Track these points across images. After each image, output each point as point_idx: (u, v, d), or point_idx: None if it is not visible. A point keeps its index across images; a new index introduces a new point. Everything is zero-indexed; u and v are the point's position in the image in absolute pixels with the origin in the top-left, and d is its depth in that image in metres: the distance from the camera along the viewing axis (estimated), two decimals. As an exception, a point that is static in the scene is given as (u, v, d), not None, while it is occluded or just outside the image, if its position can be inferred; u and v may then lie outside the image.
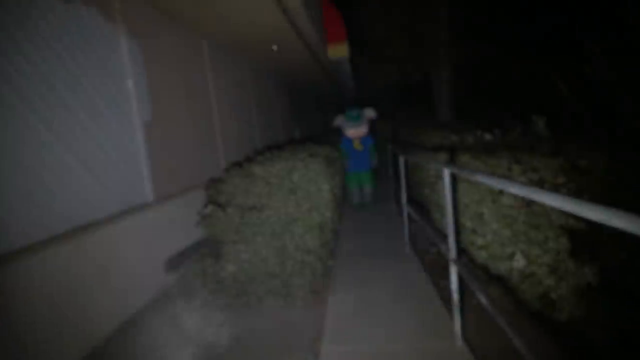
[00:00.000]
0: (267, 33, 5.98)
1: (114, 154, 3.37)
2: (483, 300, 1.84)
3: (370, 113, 6.89)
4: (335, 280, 3.91)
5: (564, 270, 2.65)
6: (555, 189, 2.83)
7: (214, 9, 4.64)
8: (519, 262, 2.81)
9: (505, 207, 2.92)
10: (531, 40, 8.82)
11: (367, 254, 4.70)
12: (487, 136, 4.05)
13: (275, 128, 9.52)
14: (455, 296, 2.48)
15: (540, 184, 2.88)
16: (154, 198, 3.89)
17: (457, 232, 3.62)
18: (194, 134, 4.94)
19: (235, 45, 6.41)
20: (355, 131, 6.82)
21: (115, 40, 3.56)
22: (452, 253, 2.43)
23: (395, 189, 5.82)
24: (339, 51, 8.76)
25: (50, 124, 2.76)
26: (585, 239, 2.77)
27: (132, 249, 3.42)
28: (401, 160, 4.60)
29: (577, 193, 2.80)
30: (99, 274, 2.98)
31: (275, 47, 6.73)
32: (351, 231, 5.74)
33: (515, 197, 2.96)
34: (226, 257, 3.43)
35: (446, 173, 2.38)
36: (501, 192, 3.06)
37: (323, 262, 3.79)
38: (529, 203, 2.89)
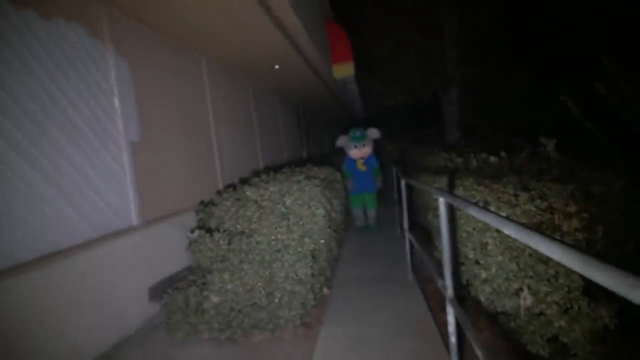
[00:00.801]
0: (268, 52, 5.87)
1: (95, 177, 3.19)
2: (480, 355, 1.58)
3: (374, 133, 6.69)
4: (329, 311, 3.64)
5: (577, 310, 2.36)
6: (566, 218, 2.56)
7: (208, 28, 4.52)
8: (526, 299, 2.52)
9: (511, 238, 2.65)
10: (543, 57, 8.60)
11: (367, 282, 4.42)
12: (492, 159, 3.80)
13: (279, 148, 9.36)
14: (453, 340, 2.21)
15: (549, 213, 2.61)
16: (140, 221, 3.70)
17: (456, 267, 3.35)
18: (188, 154, 4.77)
19: (235, 64, 6.30)
20: (359, 151, 6.61)
21: (101, 58, 3.43)
22: (449, 291, 2.16)
23: (400, 213, 5.57)
24: (345, 70, 8.63)
25: (18, 148, 2.59)
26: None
27: (113, 276, 3.21)
28: (402, 183, 4.36)
29: (592, 223, 2.53)
30: (70, 303, 2.77)
31: (277, 67, 6.61)
32: (352, 256, 5.47)
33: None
34: (210, 287, 3.20)
35: (442, 202, 2.14)
36: (508, 218, 2.80)
37: (315, 292, 3.53)
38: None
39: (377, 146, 7.35)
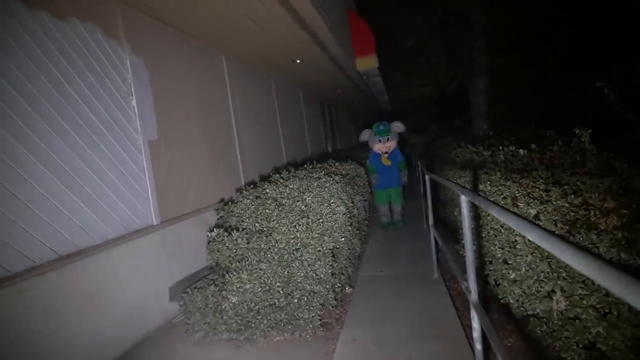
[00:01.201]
0: (289, 47, 5.78)
1: (112, 177, 3.19)
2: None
3: (398, 127, 6.51)
4: (350, 311, 3.54)
5: (617, 315, 2.17)
6: (603, 215, 2.36)
7: (227, 24, 4.46)
8: (560, 302, 2.35)
9: (542, 237, 2.47)
10: (574, 46, 8.18)
11: (391, 280, 4.30)
12: (521, 152, 3.59)
13: (303, 143, 9.29)
14: (479, 347, 2.07)
15: (584, 210, 2.42)
16: (159, 220, 3.69)
17: (481, 267, 3.17)
18: (209, 152, 4.75)
19: (256, 60, 6.25)
20: (383, 146, 6.45)
21: (117, 57, 3.41)
22: (473, 294, 2.02)
23: (425, 208, 5.41)
24: (368, 63, 8.46)
25: (35, 151, 2.60)
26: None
27: (132, 276, 3.21)
28: (427, 179, 4.20)
29: (632, 221, 2.32)
30: (89, 304, 2.77)
31: (298, 61, 6.52)
32: (375, 253, 5.35)
33: (555, 223, 2.52)
34: (229, 287, 3.15)
35: (464, 200, 2.00)
36: (538, 215, 2.62)
37: (336, 292, 3.44)
38: (571, 229, 2.44)
39: (402, 140, 7.17)
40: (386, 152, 6.46)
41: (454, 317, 3.31)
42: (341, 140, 14.94)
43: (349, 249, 3.91)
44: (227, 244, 3.42)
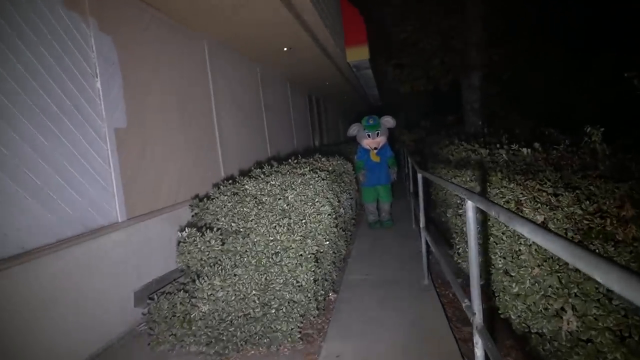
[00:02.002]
0: (276, 33, 5.42)
1: (70, 168, 2.81)
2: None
3: (388, 121, 6.21)
4: (333, 322, 3.24)
5: (637, 341, 1.90)
6: (621, 224, 2.08)
7: (209, 3, 4.09)
8: (571, 323, 2.07)
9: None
10: (577, 38, 7.93)
11: (378, 286, 4.01)
12: (525, 151, 3.31)
13: (290, 136, 8.94)
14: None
15: (599, 218, 2.14)
16: (126, 217, 3.33)
17: (486, 285, 2.88)
18: (186, 142, 4.38)
19: (241, 46, 5.87)
20: (372, 141, 6.14)
21: (79, 33, 3.03)
22: (477, 317, 1.73)
23: (415, 207, 5.13)
24: (359, 54, 8.12)
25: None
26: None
27: (91, 278, 2.86)
28: (419, 177, 3.90)
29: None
30: (39, 310, 2.42)
31: (286, 49, 6.16)
32: (362, 255, 5.05)
33: (566, 232, 2.23)
34: (199, 294, 2.81)
35: (470, 207, 1.69)
36: (546, 222, 2.34)
37: (318, 300, 3.13)
38: (585, 240, 2.16)
39: (392, 135, 6.87)
40: (375, 148, 6.16)
41: (447, 329, 3.02)
42: (329, 134, 14.60)
43: (333, 252, 3.60)
44: (199, 246, 3.08)
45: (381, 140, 6.15)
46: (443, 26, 8.88)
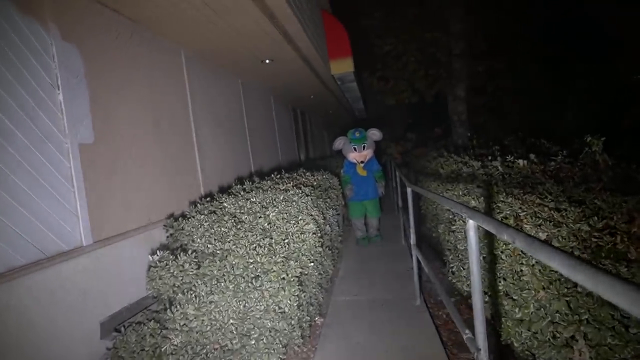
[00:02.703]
0: (257, 44, 5.23)
1: (24, 187, 2.54)
2: None
3: (375, 134, 6.03)
4: (320, 350, 2.98)
5: (660, 374, 1.70)
6: (633, 242, 1.89)
7: (182, 11, 3.88)
8: (583, 354, 1.86)
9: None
10: (559, 50, 7.92)
11: (367, 308, 3.77)
12: (521, 163, 3.14)
13: (274, 151, 8.71)
14: (489, 423, 1.54)
15: (609, 235, 1.95)
16: (92, 240, 3.04)
17: (494, 317, 2.66)
18: (162, 158, 4.12)
19: (221, 58, 5.66)
20: (359, 154, 5.95)
21: (38, 41, 2.78)
22: (482, 355, 1.50)
23: (405, 221, 4.93)
24: (344, 67, 7.98)
25: None
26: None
27: (47, 311, 2.56)
28: (409, 191, 3.70)
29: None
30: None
31: (267, 61, 5.97)
32: (350, 274, 4.81)
33: (572, 250, 2.03)
34: (171, 324, 2.54)
35: (472, 226, 1.48)
36: (549, 240, 2.14)
37: (302, 328, 2.87)
38: (594, 259, 1.96)
39: (378, 148, 6.70)
40: (362, 162, 5.97)
41: (443, 356, 2.79)
42: (315, 148, 14.41)
43: (319, 273, 3.36)
44: (171, 270, 2.81)
45: (368, 153, 5.97)
46: (425, 39, 8.81)
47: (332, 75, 8.24)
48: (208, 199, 3.64)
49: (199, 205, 3.56)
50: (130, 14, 3.76)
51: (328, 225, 3.84)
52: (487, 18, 8.53)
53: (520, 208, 2.39)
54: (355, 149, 5.92)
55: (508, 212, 2.44)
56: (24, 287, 2.40)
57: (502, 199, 2.55)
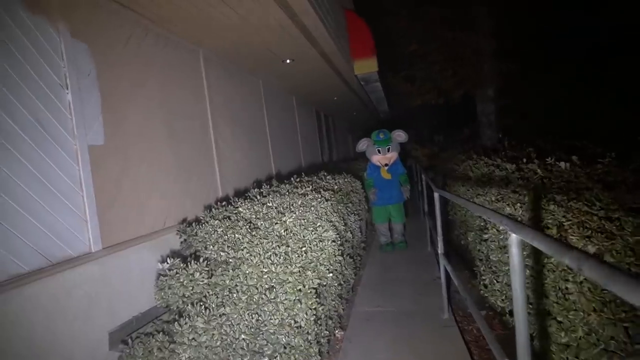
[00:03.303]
0: (278, 43, 5.07)
1: (30, 191, 2.43)
2: None
3: (400, 136, 5.78)
4: (340, 368, 2.77)
5: None
6: None
7: (200, 10, 3.75)
8: (645, 390, 1.59)
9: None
10: (596, 50, 7.48)
11: (391, 320, 3.53)
12: (562, 165, 2.84)
13: (296, 153, 8.55)
14: None
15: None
16: (101, 246, 2.92)
17: (533, 337, 2.38)
18: (177, 160, 4.00)
19: (242, 58, 5.53)
20: (383, 157, 5.71)
21: (46, 40, 2.68)
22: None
23: (431, 228, 4.66)
24: (367, 67, 7.76)
25: None
26: None
27: (52, 321, 2.43)
28: (436, 196, 3.45)
29: None
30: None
31: (288, 61, 5.81)
32: (373, 283, 4.57)
33: (629, 267, 1.76)
34: (179, 338, 2.37)
35: (515, 241, 1.24)
36: (601, 254, 1.86)
37: (320, 344, 2.66)
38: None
39: (403, 151, 6.43)
40: (386, 164, 5.72)
41: (475, 378, 2.54)
42: (338, 151, 14.20)
43: (339, 284, 3.14)
44: (181, 280, 2.66)
45: (392, 156, 5.71)
46: (453, 38, 8.49)
47: (355, 76, 8.02)
48: (224, 203, 3.48)
49: (213, 209, 3.41)
50: (144, 13, 3.64)
51: (349, 232, 3.62)
52: (518, 16, 8.14)
53: (564, 217, 2.12)
54: (379, 151, 5.68)
55: (550, 221, 2.17)
56: (26, 295, 2.28)
57: (543, 206, 2.28)
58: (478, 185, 3.63)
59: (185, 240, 3.29)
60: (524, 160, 3.46)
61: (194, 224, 3.26)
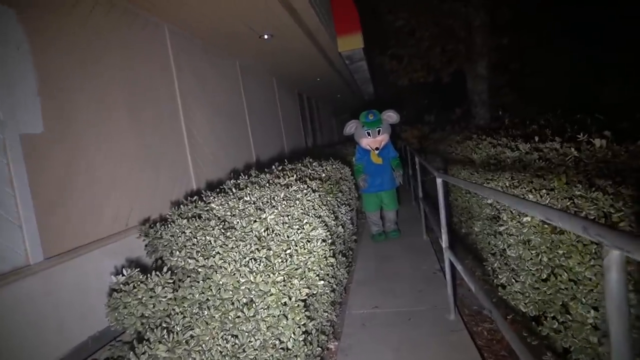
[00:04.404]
0: (254, 19, 4.53)
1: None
2: None
3: (391, 117, 5.31)
4: (336, 390, 2.34)
5: None
6: None
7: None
8: None
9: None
10: (595, 21, 7.08)
11: (390, 324, 3.12)
12: (598, 142, 2.39)
13: (278, 139, 8.03)
14: None
15: None
16: (44, 256, 2.41)
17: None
18: (141, 150, 3.49)
19: (214, 35, 4.97)
20: (373, 140, 5.24)
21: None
22: None
23: (430, 215, 4.25)
24: (352, 43, 7.23)
25: None
26: None
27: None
28: (439, 182, 3.00)
29: None
30: None
31: (266, 36, 5.26)
32: (367, 279, 4.14)
33: None
34: (137, 369, 1.90)
35: (617, 260, 0.79)
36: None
37: (312, 365, 2.22)
38: None
39: (394, 133, 5.97)
40: (377, 148, 5.26)
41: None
42: (323, 135, 13.70)
43: (332, 290, 2.69)
44: (139, 296, 2.17)
45: (383, 138, 5.25)
46: (443, 12, 7.99)
47: (339, 53, 7.49)
48: (195, 198, 2.99)
49: (182, 206, 2.91)
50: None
51: (340, 227, 3.16)
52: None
53: (612, 206, 1.69)
54: (369, 133, 5.21)
55: (592, 212, 1.74)
56: None
57: (579, 192, 1.85)
58: (484, 168, 3.20)
59: (149, 244, 2.80)
60: (535, 138, 3.03)
61: (158, 225, 2.76)
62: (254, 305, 2.08)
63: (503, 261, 2.57)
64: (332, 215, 2.93)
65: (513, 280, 2.39)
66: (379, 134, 5.20)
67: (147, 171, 3.52)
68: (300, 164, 4.10)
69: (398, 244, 5.22)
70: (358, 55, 7.88)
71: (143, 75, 3.72)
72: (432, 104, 12.32)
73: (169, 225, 2.69)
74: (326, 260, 2.41)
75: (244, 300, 2.11)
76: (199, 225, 2.58)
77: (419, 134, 9.43)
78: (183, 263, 2.38)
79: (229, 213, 2.66)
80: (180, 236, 2.53)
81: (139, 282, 2.20)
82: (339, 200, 3.48)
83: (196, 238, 2.47)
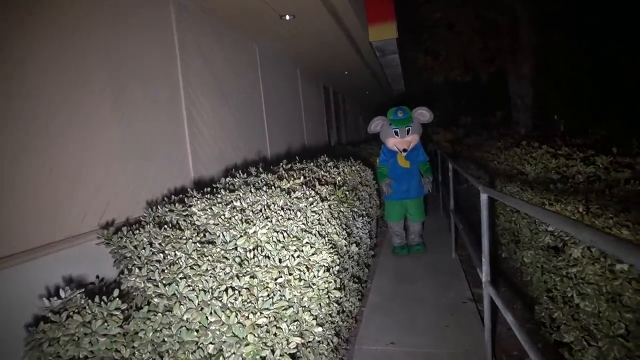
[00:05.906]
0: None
1: None
2: None
3: (423, 115, 4.63)
4: None
5: None
6: None
7: None
8: None
9: None
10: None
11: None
12: None
13: (298, 133, 7.46)
14: None
15: None
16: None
17: None
18: (126, 135, 2.97)
19: (228, 15, 4.41)
20: (401, 140, 4.57)
21: None
22: None
23: (462, 232, 3.60)
24: (384, 33, 6.56)
25: None
26: None
27: None
28: (483, 198, 2.34)
29: None
30: None
31: (287, 17, 4.67)
32: (384, 304, 3.51)
33: None
34: None
35: None
36: None
37: None
38: None
39: (425, 134, 5.27)
40: (405, 150, 4.59)
41: None
42: (348, 132, 13.05)
43: (336, 334, 2.08)
44: (72, 330, 1.61)
45: (413, 139, 4.58)
46: (485, 2, 7.23)
47: (370, 44, 6.84)
48: (174, 198, 2.43)
49: (159, 207, 2.36)
50: None
51: (354, 244, 2.54)
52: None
53: None
54: (396, 133, 4.54)
55: None
56: None
57: None
58: (541, 184, 2.53)
59: (113, 252, 2.25)
60: (614, 150, 2.34)
61: (124, 229, 2.20)
62: (222, 357, 1.50)
63: (568, 312, 1.90)
64: (344, 233, 2.31)
65: (585, 343, 1.73)
66: (408, 133, 4.53)
67: (131, 162, 2.99)
68: (312, 164, 3.49)
69: (422, 260, 4.55)
70: (391, 47, 7.20)
71: (137, 49, 3.20)
72: (469, 105, 11.44)
73: (137, 232, 2.14)
74: (329, 296, 1.80)
75: (211, 348, 1.53)
76: (171, 236, 2.01)
77: (452, 137, 8.66)
78: (142, 285, 1.81)
79: (211, 221, 2.09)
80: (144, 248, 1.97)
81: (75, 310, 1.65)
82: (355, 211, 2.86)
83: (163, 253, 1.90)
